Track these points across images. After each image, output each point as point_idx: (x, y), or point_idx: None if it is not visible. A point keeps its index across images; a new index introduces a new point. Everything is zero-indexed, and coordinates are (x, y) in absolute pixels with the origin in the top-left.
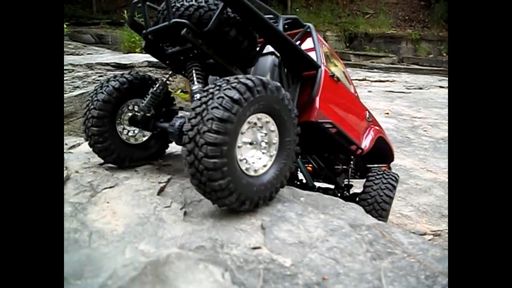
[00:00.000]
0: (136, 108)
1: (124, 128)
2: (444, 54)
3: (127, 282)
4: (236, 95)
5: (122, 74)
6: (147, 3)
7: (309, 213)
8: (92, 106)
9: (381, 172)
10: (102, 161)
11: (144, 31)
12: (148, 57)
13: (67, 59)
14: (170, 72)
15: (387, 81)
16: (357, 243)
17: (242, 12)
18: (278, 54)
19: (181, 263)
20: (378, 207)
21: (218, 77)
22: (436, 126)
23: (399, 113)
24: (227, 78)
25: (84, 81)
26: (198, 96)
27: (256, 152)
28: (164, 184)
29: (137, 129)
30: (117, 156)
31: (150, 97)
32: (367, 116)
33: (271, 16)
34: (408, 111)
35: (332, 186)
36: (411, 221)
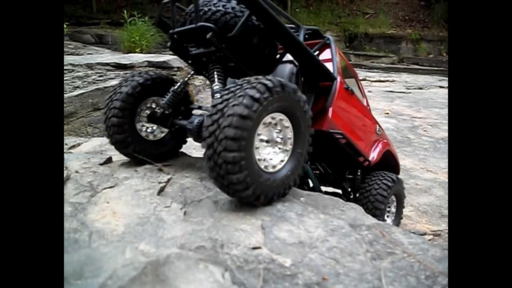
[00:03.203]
0: (154, 106)
1: (142, 125)
2: (444, 54)
3: (127, 282)
4: (256, 94)
5: (146, 71)
6: (176, 3)
7: (309, 213)
8: (115, 98)
9: (378, 174)
10: (102, 161)
11: (171, 31)
12: (148, 57)
13: (67, 59)
14: (192, 72)
15: (387, 81)
16: (357, 243)
17: (266, 21)
18: (297, 63)
19: (181, 263)
20: (371, 206)
21: (236, 80)
22: (436, 126)
23: (399, 113)
24: (248, 78)
25: (84, 81)
26: (219, 94)
27: (272, 149)
28: (164, 184)
29: (155, 126)
30: (133, 150)
31: (171, 95)
32: (377, 129)
33: (292, 26)
34: (408, 111)
35: (338, 191)
36: (411, 221)
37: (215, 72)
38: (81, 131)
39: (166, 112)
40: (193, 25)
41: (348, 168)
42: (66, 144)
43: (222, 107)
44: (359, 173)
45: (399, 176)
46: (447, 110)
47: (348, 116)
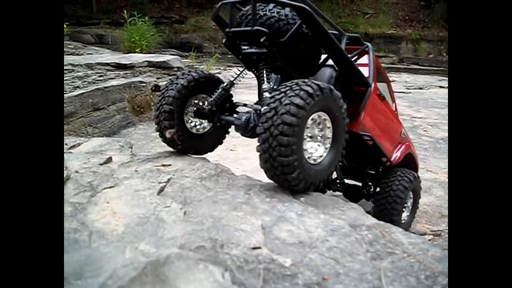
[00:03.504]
0: (200, 103)
1: (189, 118)
2: (444, 54)
3: (127, 282)
4: (300, 102)
5: (189, 72)
6: (236, 4)
7: (309, 213)
8: (164, 102)
9: (399, 170)
10: (102, 161)
11: (227, 30)
12: (148, 57)
13: (67, 59)
14: (242, 69)
15: None
16: (357, 243)
17: (315, 30)
18: (337, 68)
19: (181, 263)
20: (391, 200)
21: (278, 76)
22: (436, 126)
23: (399, 113)
24: (289, 85)
25: (84, 81)
26: (268, 94)
27: (314, 144)
28: (164, 184)
29: (200, 121)
30: (184, 146)
31: (220, 92)
32: (402, 132)
33: (336, 32)
34: (408, 111)
35: (358, 184)
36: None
37: (264, 72)
38: (81, 131)
39: (213, 108)
40: (249, 28)
41: (371, 165)
42: (66, 144)
43: (275, 106)
44: (380, 169)
45: (416, 175)
46: (447, 110)
47: (377, 120)
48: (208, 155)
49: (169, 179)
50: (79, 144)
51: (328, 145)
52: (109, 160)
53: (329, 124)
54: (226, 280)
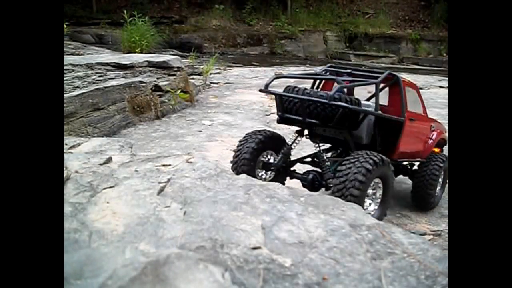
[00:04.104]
0: (268, 158)
1: (259, 171)
2: (444, 54)
3: (127, 282)
4: (369, 167)
5: (264, 131)
6: (283, 94)
7: (309, 213)
8: (244, 151)
9: (431, 156)
10: (102, 161)
11: (281, 114)
12: (148, 57)
13: (67, 59)
14: (296, 136)
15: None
16: (357, 243)
17: (355, 114)
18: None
19: (181, 263)
20: (426, 182)
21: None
22: None
23: None
24: (361, 153)
25: (84, 81)
26: (328, 163)
27: (368, 200)
28: (164, 184)
29: (264, 171)
30: None
31: (281, 157)
32: (432, 127)
33: (372, 74)
34: None
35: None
36: (411, 221)
37: (319, 144)
38: (81, 131)
39: (279, 168)
40: (301, 119)
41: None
42: (66, 144)
43: (350, 167)
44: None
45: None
46: (447, 110)
47: (411, 139)
48: (208, 155)
49: (169, 179)
50: (79, 144)
51: (378, 203)
52: (109, 160)
53: (380, 186)
54: (226, 280)
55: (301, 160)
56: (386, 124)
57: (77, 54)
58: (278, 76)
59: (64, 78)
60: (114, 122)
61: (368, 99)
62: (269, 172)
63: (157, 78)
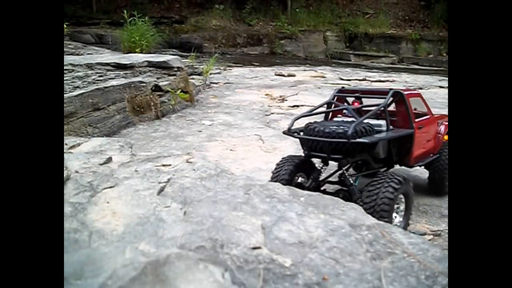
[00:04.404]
0: (301, 179)
1: None
2: (444, 54)
3: (127, 282)
4: (396, 186)
5: (299, 156)
6: (307, 138)
7: (309, 213)
8: (282, 173)
9: (444, 147)
10: (102, 161)
11: (307, 153)
12: (148, 57)
13: (67, 59)
14: (322, 165)
15: (387, 81)
16: (357, 243)
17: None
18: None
19: (181, 263)
20: (441, 167)
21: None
22: None
23: None
24: (387, 174)
25: (84, 81)
26: (353, 183)
27: (394, 213)
28: (164, 184)
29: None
30: None
31: (313, 179)
32: (439, 123)
33: (379, 96)
34: None
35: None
36: (411, 221)
37: (345, 171)
38: (81, 131)
39: (311, 187)
40: (324, 155)
41: None
42: (66, 144)
43: (379, 187)
44: None
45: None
46: (447, 110)
47: (422, 143)
48: (208, 155)
49: (169, 179)
50: (79, 144)
51: (402, 215)
52: (109, 160)
53: (403, 200)
54: (226, 280)
55: (329, 181)
56: (399, 138)
57: (77, 54)
58: (298, 117)
59: (64, 78)
60: (114, 122)
61: (377, 118)
62: None
63: (157, 78)
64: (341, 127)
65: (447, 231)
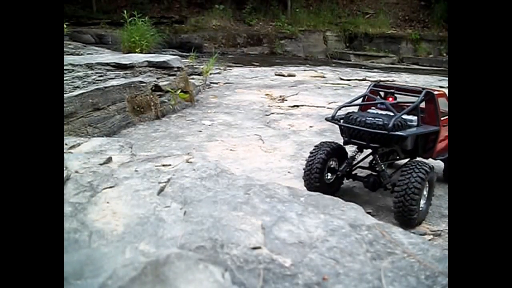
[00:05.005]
0: (333, 164)
1: (326, 174)
2: (444, 54)
3: (127, 282)
4: (423, 176)
5: (331, 143)
6: (350, 126)
7: (309, 213)
8: (316, 161)
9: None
10: (102, 161)
11: (347, 139)
12: (148, 57)
13: (67, 59)
14: (357, 151)
15: (387, 81)
16: (357, 243)
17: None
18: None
19: (181, 263)
20: None
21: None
22: None
23: None
24: (415, 163)
25: (84, 81)
26: (384, 172)
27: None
28: (164, 184)
29: (331, 175)
30: (318, 187)
31: (345, 165)
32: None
33: (413, 94)
34: None
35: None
36: None
37: (377, 157)
38: (81, 131)
39: (344, 173)
40: (364, 143)
41: None
42: (66, 144)
43: (409, 177)
44: None
45: None
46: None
47: (445, 140)
48: (208, 155)
49: (169, 179)
50: (79, 144)
51: (425, 199)
52: (109, 160)
53: (427, 186)
54: (226, 280)
55: (360, 166)
56: (426, 133)
57: (77, 54)
58: (341, 107)
59: (64, 78)
60: (114, 122)
61: (408, 113)
62: (333, 176)
63: (157, 78)
64: (380, 119)
65: (447, 231)
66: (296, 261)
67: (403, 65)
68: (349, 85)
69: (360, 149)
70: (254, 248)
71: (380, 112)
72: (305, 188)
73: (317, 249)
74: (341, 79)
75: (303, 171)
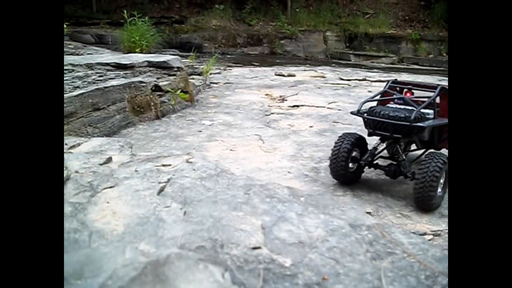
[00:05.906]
0: (355, 154)
1: (349, 163)
2: (444, 54)
3: (127, 282)
4: (441, 166)
5: (354, 134)
6: (374, 119)
7: (309, 213)
8: (341, 151)
9: None
10: (102, 161)
11: (372, 131)
12: (148, 57)
13: (67, 59)
14: (380, 142)
15: (387, 81)
16: (357, 243)
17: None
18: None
19: (181, 263)
20: None
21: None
22: None
23: None
24: (434, 154)
25: (84, 81)
26: (406, 164)
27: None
28: (164, 184)
29: (353, 164)
30: (344, 180)
31: (367, 155)
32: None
33: (429, 90)
34: None
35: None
36: (411, 221)
37: (399, 147)
38: (81, 131)
39: (366, 162)
40: (387, 134)
41: None
42: (66, 144)
43: (428, 166)
44: None
45: None
46: None
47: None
48: (208, 155)
49: (169, 179)
50: (79, 144)
51: (442, 186)
52: (109, 160)
53: (444, 175)
54: (226, 280)
55: (381, 156)
56: (442, 125)
57: (77, 54)
58: (365, 101)
59: (64, 78)
60: (114, 122)
61: (425, 107)
62: (355, 165)
63: (157, 78)
64: (402, 112)
65: (447, 231)
66: (296, 261)
67: (403, 65)
68: (349, 85)
69: (382, 140)
70: (254, 248)
71: (399, 106)
72: (304, 188)
73: (317, 249)
74: (341, 79)
75: (329, 160)
